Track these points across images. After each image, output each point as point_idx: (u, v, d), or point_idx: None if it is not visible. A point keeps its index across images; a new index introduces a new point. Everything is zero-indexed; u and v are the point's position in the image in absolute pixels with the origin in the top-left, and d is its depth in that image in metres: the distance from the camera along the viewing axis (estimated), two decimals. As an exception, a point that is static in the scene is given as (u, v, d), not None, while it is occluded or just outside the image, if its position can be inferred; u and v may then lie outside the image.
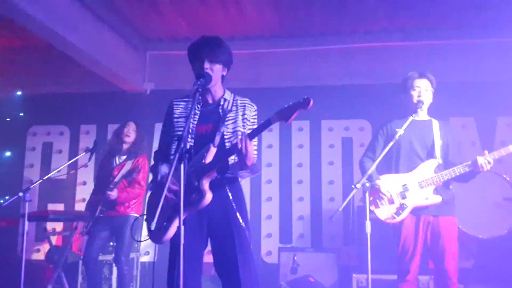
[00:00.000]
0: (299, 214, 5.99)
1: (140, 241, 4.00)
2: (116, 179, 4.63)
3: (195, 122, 2.70)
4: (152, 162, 2.92)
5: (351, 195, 3.33)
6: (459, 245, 3.69)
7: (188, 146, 2.26)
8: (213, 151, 2.58)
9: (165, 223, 2.56)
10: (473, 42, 5.77)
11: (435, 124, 3.65)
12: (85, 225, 4.70)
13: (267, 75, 6.12)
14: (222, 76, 2.79)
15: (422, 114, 3.65)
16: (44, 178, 4.53)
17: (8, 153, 6.61)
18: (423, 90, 3.64)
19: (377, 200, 3.55)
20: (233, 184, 2.74)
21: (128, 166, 4.72)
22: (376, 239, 3.88)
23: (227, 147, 2.63)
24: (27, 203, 4.09)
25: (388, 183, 3.53)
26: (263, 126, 2.51)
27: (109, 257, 5.14)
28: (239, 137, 2.53)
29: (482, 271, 4.84)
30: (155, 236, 2.61)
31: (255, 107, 2.81)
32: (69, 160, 5.26)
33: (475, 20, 5.60)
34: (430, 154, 3.54)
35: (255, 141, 2.68)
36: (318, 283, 4.96)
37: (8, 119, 6.60)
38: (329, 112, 6.03)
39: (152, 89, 6.32)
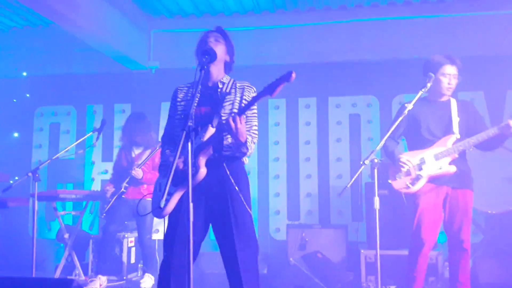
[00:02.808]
0: (307, 191, 6.00)
1: (143, 215, 4.29)
2: (139, 162, 4.88)
3: (195, 104, 2.75)
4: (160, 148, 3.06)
5: (359, 172, 3.34)
6: None
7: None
8: (211, 131, 2.66)
9: (166, 198, 2.64)
10: (482, 15, 5.65)
11: (453, 102, 3.73)
12: (104, 206, 4.90)
13: (272, 52, 6.05)
14: (226, 63, 2.89)
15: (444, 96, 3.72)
16: (53, 158, 4.57)
17: (16, 134, 6.64)
18: (452, 78, 3.68)
19: (395, 174, 3.66)
20: (232, 162, 2.79)
21: (147, 153, 4.97)
22: (385, 215, 3.90)
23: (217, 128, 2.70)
24: (36, 183, 4.12)
25: (407, 156, 3.65)
26: (251, 102, 2.60)
27: (120, 235, 5.21)
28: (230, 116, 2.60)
29: (491, 246, 4.85)
30: (157, 211, 2.74)
31: (255, 89, 2.87)
32: (77, 140, 5.28)
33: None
34: (448, 131, 3.64)
35: (255, 121, 2.81)
36: (327, 259, 4.99)
37: (14, 100, 6.62)
38: (336, 89, 5.98)
39: (157, 68, 6.28)
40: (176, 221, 2.73)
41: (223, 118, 2.73)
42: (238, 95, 2.82)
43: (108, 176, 5.81)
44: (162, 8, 5.99)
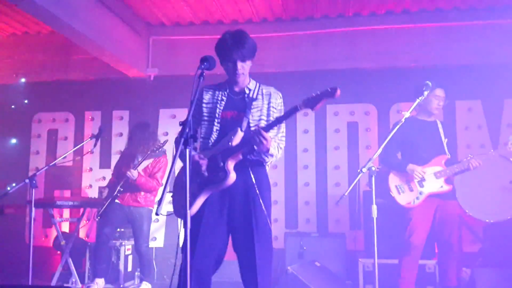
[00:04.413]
0: (305, 199, 5.99)
1: (166, 215, 4.28)
2: (139, 164, 4.87)
3: (221, 108, 2.86)
4: (175, 148, 3.14)
5: (356, 180, 3.34)
6: (466, 229, 4.27)
7: (215, 132, 2.46)
8: (240, 135, 2.73)
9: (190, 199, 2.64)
10: (480, 24, 5.68)
11: (439, 124, 4.21)
12: (99, 209, 4.90)
13: (272, 60, 6.06)
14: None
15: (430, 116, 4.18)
16: (50, 164, 4.56)
17: (13, 141, 6.63)
18: (441, 100, 4.18)
19: (398, 187, 4.09)
20: (257, 167, 2.84)
21: (149, 161, 4.97)
22: (382, 223, 3.90)
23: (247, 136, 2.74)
24: (33, 190, 4.11)
25: (421, 168, 4.04)
26: (289, 113, 2.68)
27: (117, 243, 5.19)
28: (254, 129, 2.67)
29: (489, 255, 4.83)
30: (179, 211, 2.76)
31: (280, 95, 2.96)
32: (75, 146, 5.27)
33: (481, 1, 5.52)
34: (440, 151, 4.10)
35: (282, 127, 2.89)
36: (325, 268, 4.97)
37: (12, 107, 6.61)
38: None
39: (156, 74, 6.28)
40: (198, 225, 2.73)
41: (251, 124, 2.80)
42: (266, 101, 2.90)
43: (105, 183, 5.79)
44: (161, 15, 6.00)
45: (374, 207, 3.31)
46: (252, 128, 2.78)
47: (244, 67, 2.86)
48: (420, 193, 4.00)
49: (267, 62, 6.05)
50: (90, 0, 5.15)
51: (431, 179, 4.03)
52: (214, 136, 2.83)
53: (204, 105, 2.92)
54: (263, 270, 2.72)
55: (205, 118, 2.91)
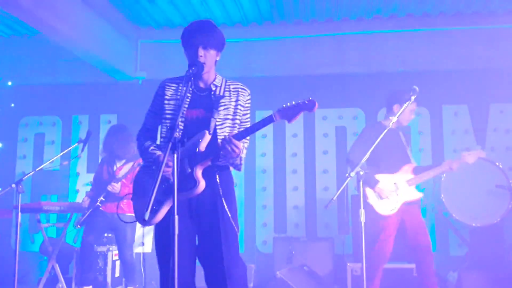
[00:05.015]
0: (293, 203, 6.00)
1: (127, 222, 3.99)
2: (119, 176, 4.81)
3: (186, 106, 2.67)
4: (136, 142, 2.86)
5: (345, 184, 3.36)
6: (452, 233, 4.11)
7: (178, 131, 2.24)
8: (207, 138, 2.56)
9: (154, 207, 2.55)
10: (467, 29, 5.75)
11: (400, 131, 4.23)
12: (81, 216, 4.83)
13: (259, 64, 6.07)
14: (215, 61, 2.76)
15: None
16: (37, 169, 4.50)
17: (0, 145, 6.55)
18: (414, 114, 4.23)
19: (377, 197, 4.04)
20: (223, 171, 2.71)
21: (129, 166, 4.88)
22: (371, 228, 3.93)
23: (217, 143, 2.59)
24: (20, 195, 4.06)
25: (384, 182, 4.04)
26: (264, 123, 2.52)
27: (104, 249, 5.14)
28: (226, 137, 2.50)
29: (475, 259, 4.87)
30: (141, 217, 2.55)
31: (249, 91, 2.78)
32: (62, 151, 5.22)
33: (467, 7, 5.58)
34: (406, 159, 4.15)
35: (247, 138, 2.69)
36: (313, 272, 4.98)
37: (-1, 110, 6.54)
38: (322, 101, 5.92)
39: (144, 78, 6.26)
40: (169, 235, 2.42)
41: (218, 123, 2.64)
42: (233, 98, 2.71)
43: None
44: (149, 19, 5.99)
45: (362, 212, 3.32)
46: (220, 131, 2.63)
47: (206, 56, 2.65)
48: (397, 201, 4.01)
49: (256, 66, 6.07)
50: (78, 3, 5.12)
51: (404, 188, 4.04)
52: (178, 136, 2.45)
53: (166, 101, 2.72)
54: (231, 273, 2.58)
55: (168, 116, 2.68)
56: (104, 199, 4.74)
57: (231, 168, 2.77)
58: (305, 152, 6.06)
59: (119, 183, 4.74)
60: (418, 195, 4.08)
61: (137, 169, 4.73)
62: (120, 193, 4.72)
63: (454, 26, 5.77)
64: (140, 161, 4.85)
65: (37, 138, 6.56)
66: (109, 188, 4.70)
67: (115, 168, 4.93)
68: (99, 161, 5.23)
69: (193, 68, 2.59)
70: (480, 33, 5.73)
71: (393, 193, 4.01)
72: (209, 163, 2.60)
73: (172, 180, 2.46)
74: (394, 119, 3.64)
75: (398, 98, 4.07)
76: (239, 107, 2.72)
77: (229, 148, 2.47)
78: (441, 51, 5.79)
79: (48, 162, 4.57)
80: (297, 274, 4.83)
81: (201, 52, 2.65)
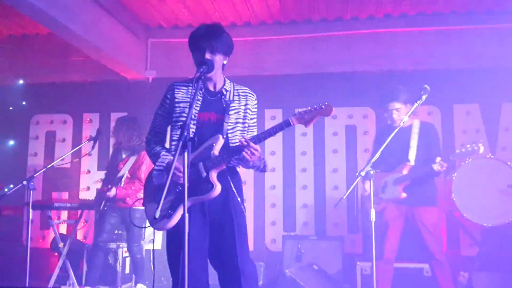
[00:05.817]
0: (303, 202, 5.99)
1: (142, 227, 4.04)
2: (120, 174, 4.88)
3: (197, 109, 2.68)
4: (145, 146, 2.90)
5: (355, 183, 3.34)
6: (463, 233, 4.01)
7: (191, 134, 2.26)
8: (221, 142, 2.60)
9: (169, 211, 2.57)
10: (478, 27, 5.70)
11: (415, 126, 4.10)
12: (96, 212, 4.97)
13: (269, 62, 6.07)
14: (223, 65, 2.76)
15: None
16: (48, 166, 4.55)
17: (11, 142, 6.62)
18: (396, 111, 4.08)
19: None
20: (233, 173, 2.76)
21: (131, 161, 4.94)
22: (381, 227, 3.92)
23: (234, 147, 2.66)
24: (31, 192, 4.10)
25: (375, 181, 3.92)
26: (281, 127, 2.59)
27: (114, 245, 5.18)
28: (243, 142, 2.56)
29: (487, 259, 4.83)
30: (157, 223, 2.58)
31: (255, 96, 2.84)
32: (73, 148, 5.25)
33: (479, 5, 5.53)
34: (404, 158, 4.04)
35: (255, 131, 2.80)
36: (322, 271, 4.97)
37: (10, 108, 6.59)
38: (332, 100, 5.93)
39: (154, 77, 6.28)
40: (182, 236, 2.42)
41: (229, 127, 2.68)
42: (243, 102, 2.76)
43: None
44: (159, 17, 6.00)
45: (373, 211, 3.30)
46: (231, 135, 2.67)
47: (214, 60, 2.64)
48: (380, 198, 4.05)
49: (265, 65, 6.06)
50: (89, 2, 5.14)
51: (390, 186, 4.04)
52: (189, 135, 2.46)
53: (176, 104, 2.70)
54: (244, 268, 2.62)
55: (179, 117, 2.68)
56: (108, 203, 4.83)
57: (238, 168, 2.81)
58: (315, 151, 6.05)
59: (113, 190, 4.79)
60: (398, 195, 3.98)
61: (137, 169, 4.86)
62: (117, 196, 4.81)
63: (466, 25, 5.72)
64: (143, 154, 4.93)
65: (48, 135, 6.61)
66: (107, 194, 4.79)
67: (120, 159, 5.00)
68: (110, 158, 5.29)
69: (203, 67, 2.58)
70: (492, 32, 5.67)
71: (381, 186, 4.05)
72: (224, 166, 2.63)
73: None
74: (405, 118, 3.61)
75: (412, 97, 4.01)
76: (248, 111, 2.77)
77: (249, 151, 2.53)
78: (452, 49, 5.74)
79: (59, 159, 4.62)
80: (306, 272, 4.82)
81: (208, 56, 2.66)
